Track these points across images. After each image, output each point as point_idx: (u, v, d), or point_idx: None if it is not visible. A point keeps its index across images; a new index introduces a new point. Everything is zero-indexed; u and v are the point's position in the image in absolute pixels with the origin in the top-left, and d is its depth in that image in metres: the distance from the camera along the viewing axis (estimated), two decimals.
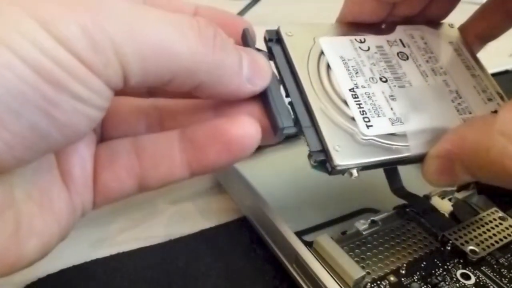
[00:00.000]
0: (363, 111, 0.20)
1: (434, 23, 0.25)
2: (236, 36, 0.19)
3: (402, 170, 0.24)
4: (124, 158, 0.18)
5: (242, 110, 0.19)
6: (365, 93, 0.20)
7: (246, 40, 0.19)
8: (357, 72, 0.21)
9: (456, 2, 0.24)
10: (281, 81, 0.20)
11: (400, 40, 0.23)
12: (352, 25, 0.23)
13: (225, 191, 0.29)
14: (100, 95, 0.14)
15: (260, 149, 0.32)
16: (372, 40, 0.23)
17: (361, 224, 0.23)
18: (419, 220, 0.24)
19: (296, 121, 0.19)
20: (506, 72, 0.42)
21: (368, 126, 0.19)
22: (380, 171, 0.23)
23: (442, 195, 0.26)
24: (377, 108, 0.20)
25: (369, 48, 0.22)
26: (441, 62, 0.23)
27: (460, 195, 0.27)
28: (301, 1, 0.52)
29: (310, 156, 0.19)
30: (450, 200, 0.26)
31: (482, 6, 0.25)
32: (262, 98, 0.19)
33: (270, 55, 0.21)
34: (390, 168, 0.23)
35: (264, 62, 0.19)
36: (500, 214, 0.25)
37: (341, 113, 0.19)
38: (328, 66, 0.21)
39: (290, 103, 0.19)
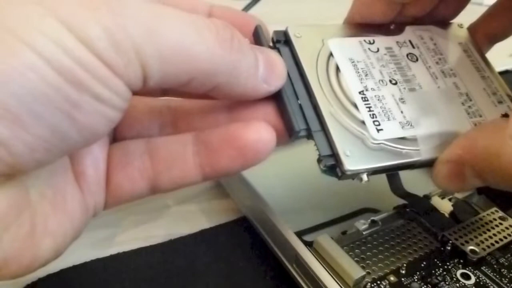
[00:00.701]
0: (373, 114, 0.20)
1: (443, 23, 0.24)
2: (249, 34, 0.19)
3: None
4: (137, 160, 0.18)
5: (257, 111, 0.19)
6: (375, 96, 0.20)
7: (258, 37, 0.19)
8: (367, 74, 0.21)
9: (465, 2, 0.24)
10: (290, 83, 0.20)
11: (410, 41, 0.23)
12: (360, 26, 0.23)
13: (225, 191, 0.29)
14: (120, 96, 0.14)
15: None
16: (381, 41, 0.22)
17: (361, 224, 0.23)
18: (419, 220, 0.24)
19: (306, 125, 0.19)
20: (506, 72, 0.42)
21: (378, 130, 0.19)
22: None
23: (442, 195, 0.26)
24: (387, 111, 0.20)
25: (378, 50, 0.22)
26: (451, 64, 0.23)
27: (460, 195, 0.27)
28: (302, 0, 0.52)
29: (320, 161, 0.19)
30: (450, 200, 0.26)
31: (492, 5, 0.25)
32: (277, 98, 0.19)
33: None
34: None
35: (279, 61, 0.18)
36: (500, 214, 0.25)
37: (351, 117, 0.19)
38: (337, 68, 0.20)
39: (299, 106, 0.19)
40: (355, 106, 0.20)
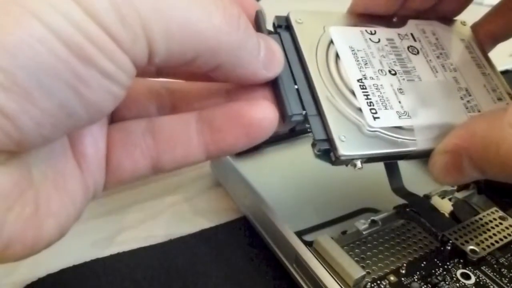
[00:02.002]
0: (370, 102, 0.20)
1: (446, 19, 0.24)
2: (250, 19, 0.19)
3: (402, 169, 0.24)
4: (139, 139, 0.18)
5: (255, 94, 0.19)
6: (373, 84, 0.20)
7: (259, 24, 0.19)
8: (366, 63, 0.21)
9: (469, 0, 0.24)
10: (289, 68, 0.20)
11: (411, 34, 0.23)
12: (363, 16, 0.23)
13: (225, 191, 0.29)
14: (126, 72, 0.14)
15: (260, 148, 0.32)
16: (383, 32, 0.22)
17: (361, 224, 0.23)
18: (419, 220, 0.24)
19: (299, 110, 0.19)
20: (506, 72, 0.42)
21: (374, 118, 0.19)
22: (381, 171, 0.23)
23: (442, 195, 0.26)
24: (384, 100, 0.20)
25: (379, 40, 0.22)
26: (452, 59, 0.23)
27: (460, 195, 0.27)
28: (302, 0, 0.52)
29: (314, 145, 0.19)
30: (450, 200, 0.26)
31: (496, 5, 0.25)
32: (273, 85, 0.19)
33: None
34: (391, 166, 0.23)
35: (278, 48, 0.18)
36: (500, 214, 0.25)
37: (348, 103, 0.19)
38: (337, 56, 0.20)
39: (297, 90, 0.19)
40: (353, 93, 0.20)
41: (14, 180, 0.14)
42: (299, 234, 0.23)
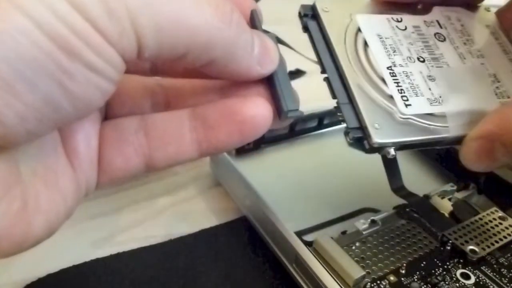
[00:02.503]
0: (401, 89, 0.19)
1: (471, 6, 0.24)
2: (245, 18, 0.19)
3: (402, 169, 0.24)
4: (131, 136, 0.18)
5: (249, 91, 0.18)
6: (403, 72, 0.20)
7: (254, 22, 0.19)
8: (395, 51, 0.21)
9: None
10: (317, 56, 0.19)
11: (437, 21, 0.23)
12: (388, 4, 0.22)
13: (225, 191, 0.29)
14: (113, 66, 0.13)
15: (260, 148, 0.32)
16: (408, 19, 0.22)
17: (361, 224, 0.23)
18: (419, 220, 0.24)
19: (333, 97, 0.19)
20: None
21: (406, 105, 0.19)
22: (381, 171, 0.23)
23: (442, 195, 0.26)
24: (415, 87, 0.20)
25: (406, 28, 0.22)
26: (478, 45, 0.23)
27: (460, 195, 0.27)
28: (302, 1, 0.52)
29: (347, 133, 0.18)
30: (450, 200, 0.26)
31: None
32: (268, 82, 0.19)
33: (305, 30, 0.20)
34: (391, 166, 0.23)
35: (273, 45, 0.18)
36: (500, 214, 0.25)
37: (379, 91, 0.19)
38: (365, 44, 0.20)
39: (327, 79, 0.19)
40: (383, 81, 0.20)
41: (0, 175, 0.14)
42: (299, 234, 0.23)
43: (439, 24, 0.23)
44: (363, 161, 0.31)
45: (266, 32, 0.19)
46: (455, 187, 0.27)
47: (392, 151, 0.18)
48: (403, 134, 0.19)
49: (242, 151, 0.31)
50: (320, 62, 0.19)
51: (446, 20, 0.23)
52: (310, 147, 0.33)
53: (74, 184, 0.17)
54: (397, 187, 0.24)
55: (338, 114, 0.19)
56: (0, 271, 0.23)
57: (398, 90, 0.19)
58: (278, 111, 0.18)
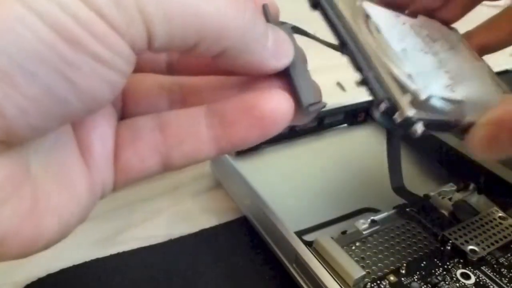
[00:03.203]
0: (417, 72, 0.19)
1: (446, 23, 0.25)
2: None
3: (402, 169, 0.24)
4: (147, 135, 0.17)
5: (267, 86, 0.18)
6: (415, 56, 0.20)
7: (266, 16, 0.19)
8: (402, 40, 0.21)
9: (471, 7, 0.25)
10: (334, 30, 0.19)
11: (425, 26, 0.23)
12: (381, 3, 0.23)
13: (225, 191, 0.29)
14: (122, 57, 0.13)
15: (260, 148, 0.32)
16: (404, 18, 0.23)
17: (361, 224, 0.23)
18: (419, 220, 0.24)
19: (358, 70, 0.18)
20: (506, 72, 0.43)
21: (424, 86, 0.19)
22: (381, 171, 0.23)
23: (442, 195, 0.26)
24: (428, 72, 0.20)
25: (404, 23, 0.22)
26: (459, 51, 0.23)
27: (460, 195, 0.27)
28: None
29: (377, 105, 0.18)
30: (450, 199, 0.26)
31: (492, 17, 0.25)
32: (286, 76, 0.18)
33: (315, 7, 0.20)
34: (395, 164, 0.23)
35: (287, 38, 0.18)
36: (500, 213, 0.25)
37: (398, 69, 0.19)
38: (376, 29, 0.20)
39: (348, 50, 0.19)
40: (400, 61, 0.19)
41: (8, 172, 0.13)
42: (299, 234, 0.23)
43: (426, 28, 0.23)
44: (363, 161, 0.31)
45: (281, 23, 0.19)
46: (455, 187, 0.27)
47: (420, 126, 0.18)
48: (427, 112, 0.18)
49: (242, 151, 0.31)
50: (338, 34, 0.19)
51: (431, 27, 0.24)
52: (310, 147, 0.33)
53: (88, 184, 0.16)
54: (398, 186, 0.24)
55: (367, 86, 0.18)
56: (0, 271, 0.23)
57: (415, 72, 0.19)
58: (299, 106, 0.18)
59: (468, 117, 0.20)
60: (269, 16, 0.19)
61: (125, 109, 0.19)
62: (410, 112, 0.17)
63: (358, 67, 0.18)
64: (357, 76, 0.18)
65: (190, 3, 0.14)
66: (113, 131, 0.17)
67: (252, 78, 0.18)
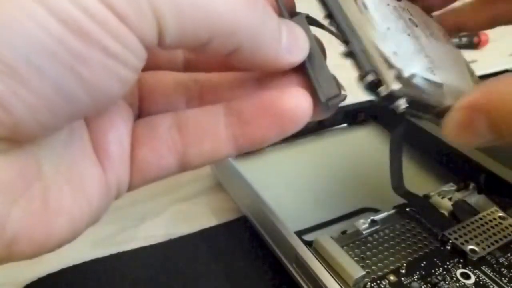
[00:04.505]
0: (401, 51, 0.19)
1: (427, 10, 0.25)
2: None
3: (403, 169, 0.24)
4: (164, 134, 0.17)
5: (286, 83, 0.18)
6: (399, 36, 0.20)
7: (279, 8, 0.18)
8: (386, 19, 0.20)
9: (451, 1, 0.25)
10: (323, 4, 0.19)
11: (408, 10, 0.23)
12: None
13: (225, 190, 0.29)
14: (133, 52, 0.13)
15: (259, 149, 0.32)
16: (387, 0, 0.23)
17: (361, 224, 0.23)
18: (419, 220, 0.24)
19: (345, 42, 0.18)
20: (506, 72, 0.42)
21: (408, 64, 0.19)
22: (381, 171, 0.23)
23: (442, 195, 0.26)
24: (412, 53, 0.20)
25: (388, 5, 0.22)
26: (441, 41, 0.24)
27: (460, 195, 0.27)
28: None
29: (362, 77, 0.18)
30: (450, 199, 0.26)
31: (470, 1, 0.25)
32: (303, 71, 0.18)
33: None
34: (396, 162, 0.23)
35: (302, 32, 0.17)
36: (500, 213, 0.25)
37: (384, 45, 0.19)
38: (364, 6, 0.20)
39: (334, 22, 0.18)
40: (384, 40, 0.19)
41: (18, 170, 0.13)
42: (299, 234, 0.23)
43: (409, 12, 0.23)
44: (363, 161, 0.31)
45: (296, 13, 0.19)
46: (455, 187, 0.27)
47: (404, 102, 0.18)
48: (411, 89, 0.18)
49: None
50: (325, 5, 0.19)
51: (414, 11, 0.24)
52: (310, 147, 0.33)
53: (102, 184, 0.16)
54: (398, 186, 0.24)
55: (352, 58, 0.18)
56: (0, 271, 0.23)
57: (399, 51, 0.19)
58: (318, 101, 0.18)
59: (446, 102, 0.20)
60: (283, 10, 0.18)
61: (142, 107, 0.19)
62: (395, 86, 0.17)
63: (344, 39, 0.18)
64: (342, 48, 0.18)
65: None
66: (129, 130, 0.17)
67: (269, 73, 0.18)
